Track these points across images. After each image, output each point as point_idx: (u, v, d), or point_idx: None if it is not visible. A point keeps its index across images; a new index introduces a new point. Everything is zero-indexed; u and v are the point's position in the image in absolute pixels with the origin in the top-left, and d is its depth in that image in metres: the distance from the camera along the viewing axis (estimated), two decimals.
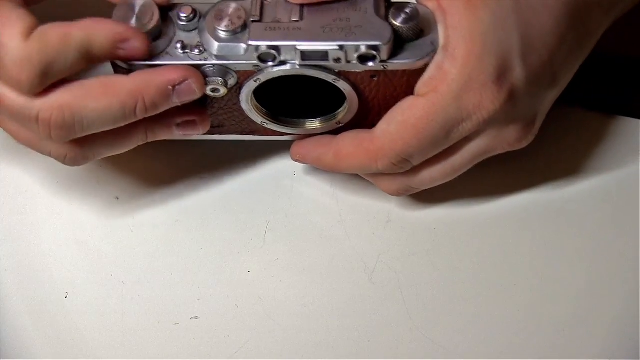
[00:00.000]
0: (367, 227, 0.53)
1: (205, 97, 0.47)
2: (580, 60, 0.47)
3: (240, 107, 0.48)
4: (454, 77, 0.44)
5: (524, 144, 0.48)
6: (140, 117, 0.45)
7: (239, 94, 0.47)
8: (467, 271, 0.52)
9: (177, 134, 0.49)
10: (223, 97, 0.47)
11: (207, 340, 0.50)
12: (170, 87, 0.45)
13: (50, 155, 0.47)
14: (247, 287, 0.51)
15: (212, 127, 0.50)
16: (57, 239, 0.53)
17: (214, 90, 0.46)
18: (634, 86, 0.55)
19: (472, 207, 0.53)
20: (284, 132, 0.50)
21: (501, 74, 0.44)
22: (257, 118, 0.49)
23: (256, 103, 0.48)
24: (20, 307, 0.51)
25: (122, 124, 0.45)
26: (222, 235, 0.53)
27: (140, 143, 0.48)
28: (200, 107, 0.49)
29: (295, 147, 0.50)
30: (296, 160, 0.51)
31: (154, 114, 0.46)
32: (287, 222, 0.53)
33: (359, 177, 0.51)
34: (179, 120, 0.48)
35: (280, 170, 0.54)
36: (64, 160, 0.47)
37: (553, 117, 0.49)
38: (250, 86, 0.47)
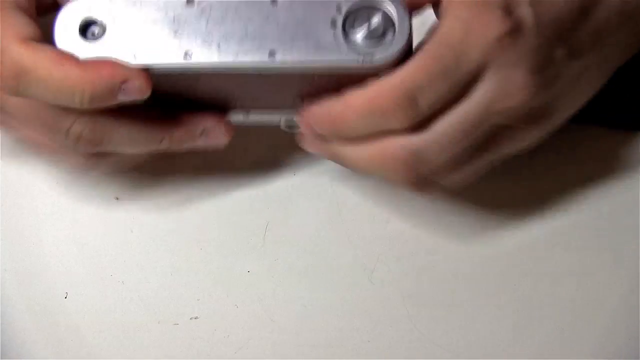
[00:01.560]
0: (367, 227, 0.53)
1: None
2: (592, 38, 0.46)
3: None
4: (454, 4, 0.43)
5: (527, 98, 0.44)
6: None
7: None
8: (467, 271, 0.52)
9: (200, 144, 0.49)
10: None
11: (207, 340, 0.50)
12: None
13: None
14: (247, 287, 0.51)
15: None
16: (57, 239, 0.53)
17: None
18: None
19: (472, 207, 0.53)
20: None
21: (508, 4, 0.43)
22: None
23: None
24: (20, 307, 0.51)
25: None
26: (222, 235, 0.53)
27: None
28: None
29: (304, 114, 0.47)
30: (302, 124, 0.47)
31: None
32: (287, 222, 0.53)
33: (359, 177, 0.51)
34: (200, 129, 0.49)
35: (280, 171, 0.54)
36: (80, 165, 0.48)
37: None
38: None
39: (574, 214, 0.53)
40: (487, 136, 0.45)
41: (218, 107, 0.49)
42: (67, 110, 0.45)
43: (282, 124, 0.50)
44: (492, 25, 0.43)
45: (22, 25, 0.44)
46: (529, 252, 0.52)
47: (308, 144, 0.49)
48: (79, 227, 0.53)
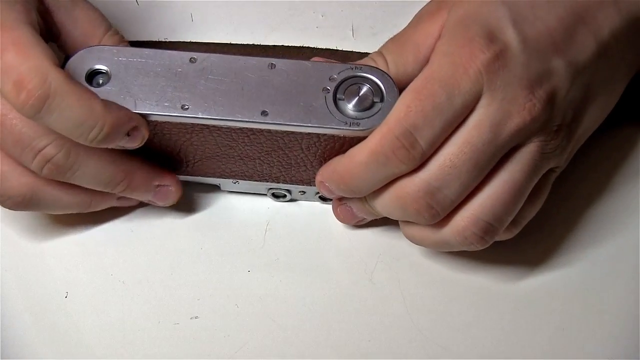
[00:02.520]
0: (367, 227, 0.53)
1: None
2: (592, 49, 0.46)
3: None
4: (441, 42, 0.45)
5: (534, 113, 0.44)
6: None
7: None
8: (467, 271, 0.52)
9: (149, 197, 0.51)
10: None
11: (207, 340, 0.50)
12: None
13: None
14: (247, 287, 0.51)
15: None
16: (57, 239, 0.53)
17: None
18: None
19: None
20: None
21: (491, 32, 0.44)
22: None
23: None
24: (20, 307, 0.51)
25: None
26: (222, 235, 0.53)
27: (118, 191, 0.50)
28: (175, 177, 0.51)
29: (318, 177, 0.49)
30: (320, 188, 0.49)
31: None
32: (287, 222, 0.53)
33: None
34: (156, 183, 0.50)
35: None
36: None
37: None
38: None
39: (574, 216, 0.53)
40: (500, 157, 0.45)
41: (176, 164, 0.51)
42: (47, 131, 0.45)
43: (268, 193, 0.53)
44: (478, 54, 0.44)
45: (52, 53, 0.45)
46: (529, 251, 0.52)
47: (337, 214, 0.51)
48: (79, 227, 0.53)
